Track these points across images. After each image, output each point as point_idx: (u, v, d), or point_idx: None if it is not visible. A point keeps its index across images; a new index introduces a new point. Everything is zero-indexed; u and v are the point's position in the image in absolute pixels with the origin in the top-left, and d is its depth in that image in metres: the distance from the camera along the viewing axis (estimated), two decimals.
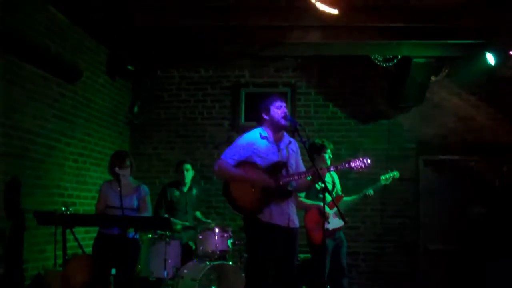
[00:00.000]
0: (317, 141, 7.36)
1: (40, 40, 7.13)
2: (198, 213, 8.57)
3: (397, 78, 9.34)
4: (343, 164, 5.66)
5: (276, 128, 5.63)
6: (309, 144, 7.10)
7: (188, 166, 8.39)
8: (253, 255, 5.60)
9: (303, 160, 5.91)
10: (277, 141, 5.65)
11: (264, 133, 5.63)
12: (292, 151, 5.69)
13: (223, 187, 5.65)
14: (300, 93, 10.03)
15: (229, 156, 5.59)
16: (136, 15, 7.73)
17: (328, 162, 7.22)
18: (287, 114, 5.60)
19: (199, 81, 10.19)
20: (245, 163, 5.57)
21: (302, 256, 8.49)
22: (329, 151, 7.28)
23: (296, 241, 5.63)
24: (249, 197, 5.50)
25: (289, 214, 5.53)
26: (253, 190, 5.49)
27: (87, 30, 8.28)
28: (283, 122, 5.57)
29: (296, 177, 5.54)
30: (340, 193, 7.47)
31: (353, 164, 5.59)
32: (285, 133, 5.74)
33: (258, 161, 5.55)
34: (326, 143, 7.31)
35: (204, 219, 8.45)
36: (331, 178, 7.40)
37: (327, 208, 6.81)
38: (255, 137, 5.63)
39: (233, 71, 10.16)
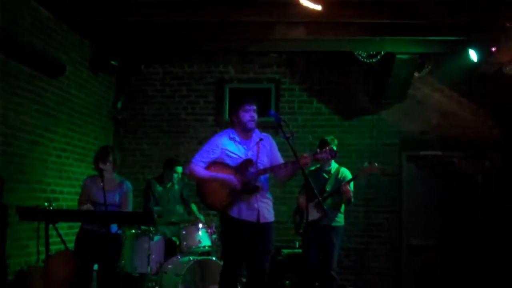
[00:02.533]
0: (326, 137, 7.52)
1: (23, 35, 7.10)
2: (193, 206, 8.57)
3: (381, 74, 9.36)
4: (310, 155, 5.70)
5: (243, 130, 5.88)
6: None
7: (180, 169, 8.35)
8: (225, 249, 5.90)
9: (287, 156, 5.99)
10: (246, 140, 5.90)
11: (233, 135, 5.92)
12: (264, 147, 5.91)
13: (196, 188, 5.97)
14: (284, 89, 10.04)
15: (199, 159, 5.90)
16: (119, 10, 7.69)
17: None
18: (254, 118, 5.80)
19: (183, 76, 10.18)
20: (216, 163, 5.88)
21: (285, 251, 8.55)
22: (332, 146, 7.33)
23: (267, 236, 5.82)
24: (218, 195, 5.78)
25: (258, 210, 5.74)
26: (221, 188, 5.76)
27: (71, 26, 8.24)
28: (249, 125, 5.82)
29: (261, 173, 5.76)
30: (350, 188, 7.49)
31: (318, 156, 5.70)
32: (256, 131, 5.96)
33: (228, 161, 5.84)
34: (329, 139, 7.40)
35: (197, 213, 8.44)
36: (335, 172, 7.44)
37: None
38: (224, 139, 5.93)
39: (217, 67, 10.16)
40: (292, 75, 10.06)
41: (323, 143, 7.34)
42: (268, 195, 5.93)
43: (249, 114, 5.79)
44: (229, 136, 5.91)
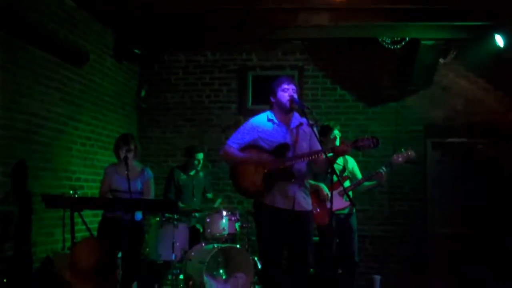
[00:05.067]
0: (326, 123, 7.35)
1: (47, 24, 7.13)
2: (210, 195, 8.61)
3: (405, 61, 9.29)
4: (350, 143, 5.50)
5: (282, 111, 5.57)
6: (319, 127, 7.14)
7: (201, 156, 8.35)
8: (259, 238, 5.63)
9: None
10: (285, 123, 5.59)
11: (271, 116, 5.61)
12: (304, 132, 5.59)
13: (230, 171, 5.69)
14: (308, 76, 9.99)
15: (234, 141, 5.65)
16: None
17: (337, 142, 7.15)
18: (294, 97, 5.49)
19: (206, 64, 10.17)
20: (251, 146, 5.59)
21: None
22: (336, 131, 7.22)
23: (306, 224, 5.53)
24: (252, 181, 5.50)
25: (294, 197, 5.44)
26: (256, 173, 5.48)
27: (94, 14, 8.25)
28: (288, 105, 5.49)
29: (299, 159, 5.44)
30: (358, 176, 7.42)
31: (360, 143, 5.40)
32: (295, 114, 5.66)
33: (263, 144, 5.54)
34: (331, 124, 7.27)
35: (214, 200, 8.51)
36: (343, 161, 7.37)
37: (325, 189, 6.99)
38: (261, 121, 5.63)
39: (240, 54, 10.13)
40: (315, 62, 10.00)
41: (326, 130, 7.18)
42: (306, 183, 5.64)
43: (288, 93, 5.46)
44: (267, 118, 5.61)
